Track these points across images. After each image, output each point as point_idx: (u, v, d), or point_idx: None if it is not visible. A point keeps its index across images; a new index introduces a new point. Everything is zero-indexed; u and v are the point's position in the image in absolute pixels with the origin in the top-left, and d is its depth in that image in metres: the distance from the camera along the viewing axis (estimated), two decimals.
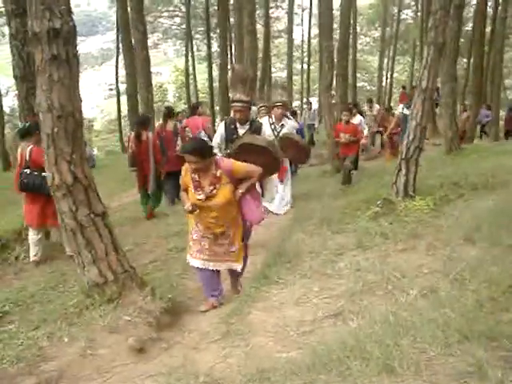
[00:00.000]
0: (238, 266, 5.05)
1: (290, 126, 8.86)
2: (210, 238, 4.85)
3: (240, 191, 4.72)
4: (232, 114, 6.83)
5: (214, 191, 4.62)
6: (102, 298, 4.69)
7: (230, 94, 7.20)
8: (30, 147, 6.58)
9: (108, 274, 4.79)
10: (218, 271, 5.10)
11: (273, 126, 8.66)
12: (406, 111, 11.09)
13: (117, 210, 7.50)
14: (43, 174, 5.83)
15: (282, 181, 8.82)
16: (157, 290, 4.90)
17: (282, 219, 8.41)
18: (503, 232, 4.86)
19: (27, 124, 6.78)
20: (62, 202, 4.64)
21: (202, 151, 4.54)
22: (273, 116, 8.82)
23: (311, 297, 4.55)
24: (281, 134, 8.57)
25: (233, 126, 6.48)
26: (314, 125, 20.15)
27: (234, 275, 5.38)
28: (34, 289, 5.49)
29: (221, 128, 6.69)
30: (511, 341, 2.89)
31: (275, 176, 7.30)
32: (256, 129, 6.48)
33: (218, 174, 4.64)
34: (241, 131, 6.41)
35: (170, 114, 10.40)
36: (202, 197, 4.63)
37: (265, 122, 8.41)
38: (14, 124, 30.40)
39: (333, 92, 14.41)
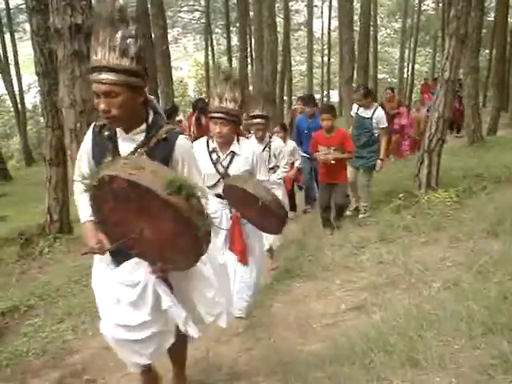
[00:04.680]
0: None
1: (247, 155, 4.03)
2: None
3: None
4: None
5: None
6: None
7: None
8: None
9: None
10: None
11: (214, 156, 4.04)
12: (362, 112, 7.15)
13: None
14: None
15: (245, 263, 4.25)
16: None
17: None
18: None
19: (167, 108, 8.05)
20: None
21: None
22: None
23: (334, 289, 4.56)
24: (230, 173, 3.97)
25: (108, 134, 2.59)
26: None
27: None
28: (58, 283, 5.54)
29: (87, 140, 2.67)
30: None
31: (206, 267, 2.79)
32: (165, 148, 2.52)
33: None
34: (124, 147, 2.54)
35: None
36: None
37: (199, 147, 4.03)
38: (36, 121, 30.67)
39: (354, 84, 14.21)
